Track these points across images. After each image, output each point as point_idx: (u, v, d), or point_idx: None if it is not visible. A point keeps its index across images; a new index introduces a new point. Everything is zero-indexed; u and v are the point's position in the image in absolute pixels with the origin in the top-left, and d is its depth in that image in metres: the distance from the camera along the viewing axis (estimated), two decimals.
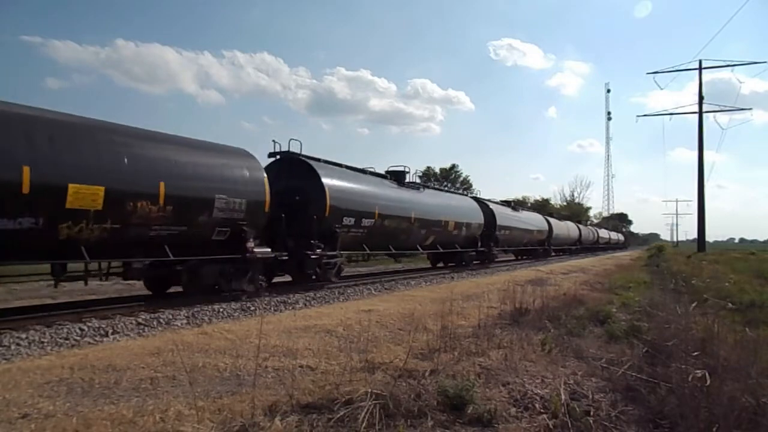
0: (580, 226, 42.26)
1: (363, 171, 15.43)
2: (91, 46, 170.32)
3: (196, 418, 3.28)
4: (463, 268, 20.54)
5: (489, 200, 25.83)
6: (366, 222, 13.92)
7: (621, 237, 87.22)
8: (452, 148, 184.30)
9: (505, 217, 25.54)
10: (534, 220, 32.27)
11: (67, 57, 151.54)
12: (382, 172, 16.79)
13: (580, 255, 39.80)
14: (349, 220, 13.22)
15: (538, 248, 33.12)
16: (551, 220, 36.52)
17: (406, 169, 17.43)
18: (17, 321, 7.24)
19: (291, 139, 12.71)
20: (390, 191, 15.77)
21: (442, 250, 19.63)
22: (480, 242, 22.29)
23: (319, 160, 13.21)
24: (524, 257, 32.04)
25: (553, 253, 36.86)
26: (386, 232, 15.10)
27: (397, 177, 16.90)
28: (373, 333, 6.25)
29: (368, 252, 15.19)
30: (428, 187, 21.27)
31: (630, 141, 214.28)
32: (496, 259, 25.81)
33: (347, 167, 14.66)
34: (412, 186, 17.79)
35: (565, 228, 34.56)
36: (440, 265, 21.76)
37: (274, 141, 12.65)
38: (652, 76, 45.75)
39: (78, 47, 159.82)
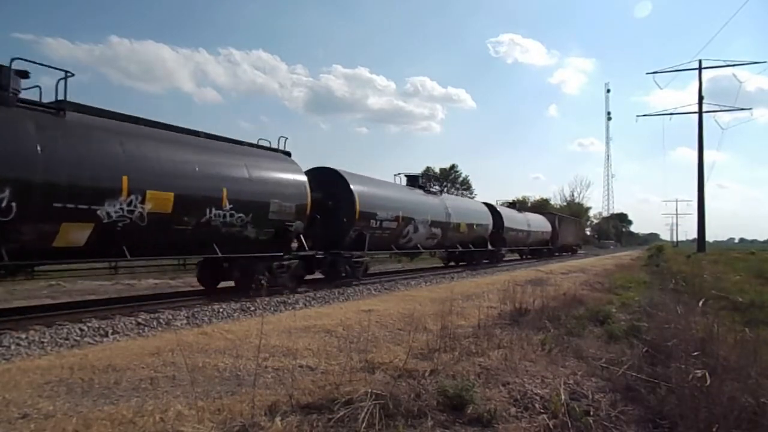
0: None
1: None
2: (84, 44, 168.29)
3: (196, 418, 3.28)
4: (463, 268, 21.57)
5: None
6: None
7: (546, 227, 36.47)
8: (453, 147, 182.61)
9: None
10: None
11: (61, 54, 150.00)
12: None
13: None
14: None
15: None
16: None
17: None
18: (17, 321, 7.25)
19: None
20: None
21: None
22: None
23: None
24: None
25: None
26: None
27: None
28: (373, 333, 6.25)
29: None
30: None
31: (630, 141, 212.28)
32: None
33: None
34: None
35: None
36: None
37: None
38: (652, 75, 45.92)
39: (70, 45, 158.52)
